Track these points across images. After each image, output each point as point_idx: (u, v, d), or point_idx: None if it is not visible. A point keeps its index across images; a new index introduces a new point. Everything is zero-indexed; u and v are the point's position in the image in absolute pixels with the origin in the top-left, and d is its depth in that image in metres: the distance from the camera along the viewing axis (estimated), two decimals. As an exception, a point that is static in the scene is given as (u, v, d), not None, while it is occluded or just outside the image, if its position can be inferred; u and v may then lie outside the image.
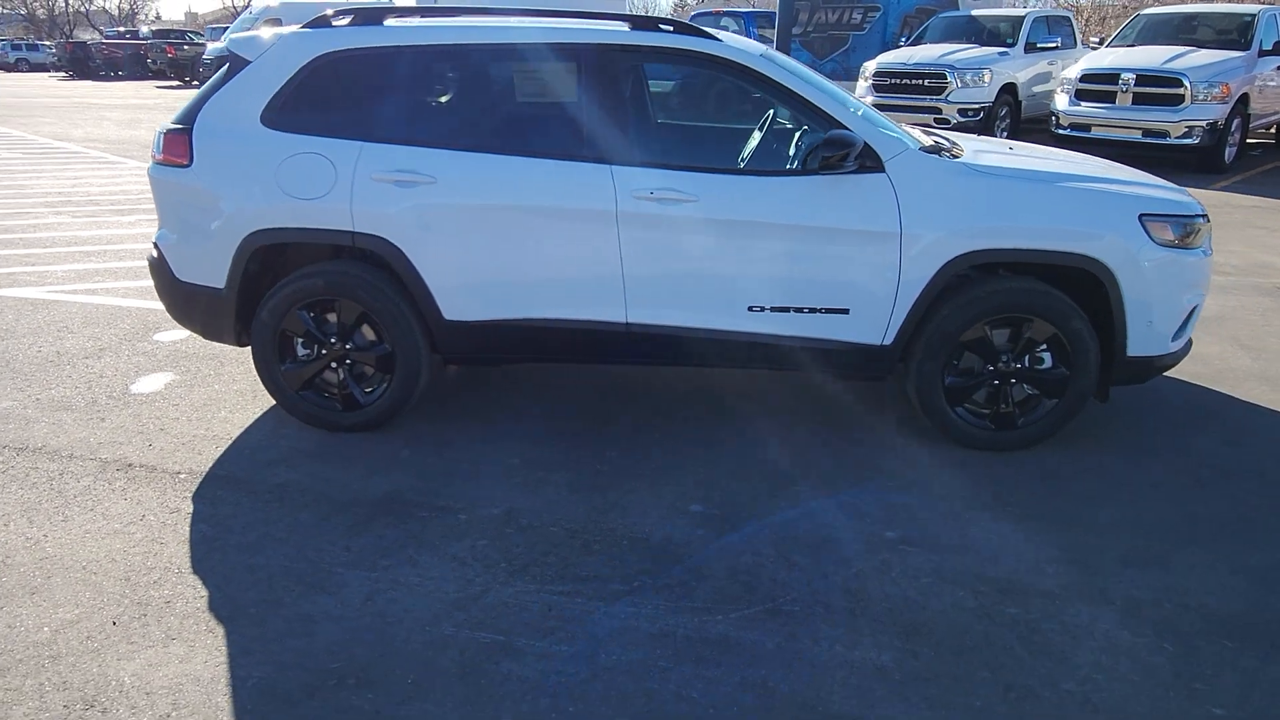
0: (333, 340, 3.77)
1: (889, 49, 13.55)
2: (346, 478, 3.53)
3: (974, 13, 13.89)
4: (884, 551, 3.07)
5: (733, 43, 3.67)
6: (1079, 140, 11.05)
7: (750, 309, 3.64)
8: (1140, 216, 3.53)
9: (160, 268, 3.86)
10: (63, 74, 36.56)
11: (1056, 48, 12.88)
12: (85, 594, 2.78)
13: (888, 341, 3.65)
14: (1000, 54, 12.39)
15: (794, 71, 3.70)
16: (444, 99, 3.77)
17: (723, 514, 3.31)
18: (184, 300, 3.87)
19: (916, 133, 4.08)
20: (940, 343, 3.61)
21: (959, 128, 11.76)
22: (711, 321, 3.67)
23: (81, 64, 35.61)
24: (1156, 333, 3.64)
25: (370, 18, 3.77)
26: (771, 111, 4.14)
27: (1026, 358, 3.65)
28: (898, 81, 12.36)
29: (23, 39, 51.49)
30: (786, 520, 3.26)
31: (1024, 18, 13.02)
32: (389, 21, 3.78)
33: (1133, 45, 11.71)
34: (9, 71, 41.91)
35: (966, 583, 2.91)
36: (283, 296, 3.71)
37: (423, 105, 3.71)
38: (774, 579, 2.92)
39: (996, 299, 3.57)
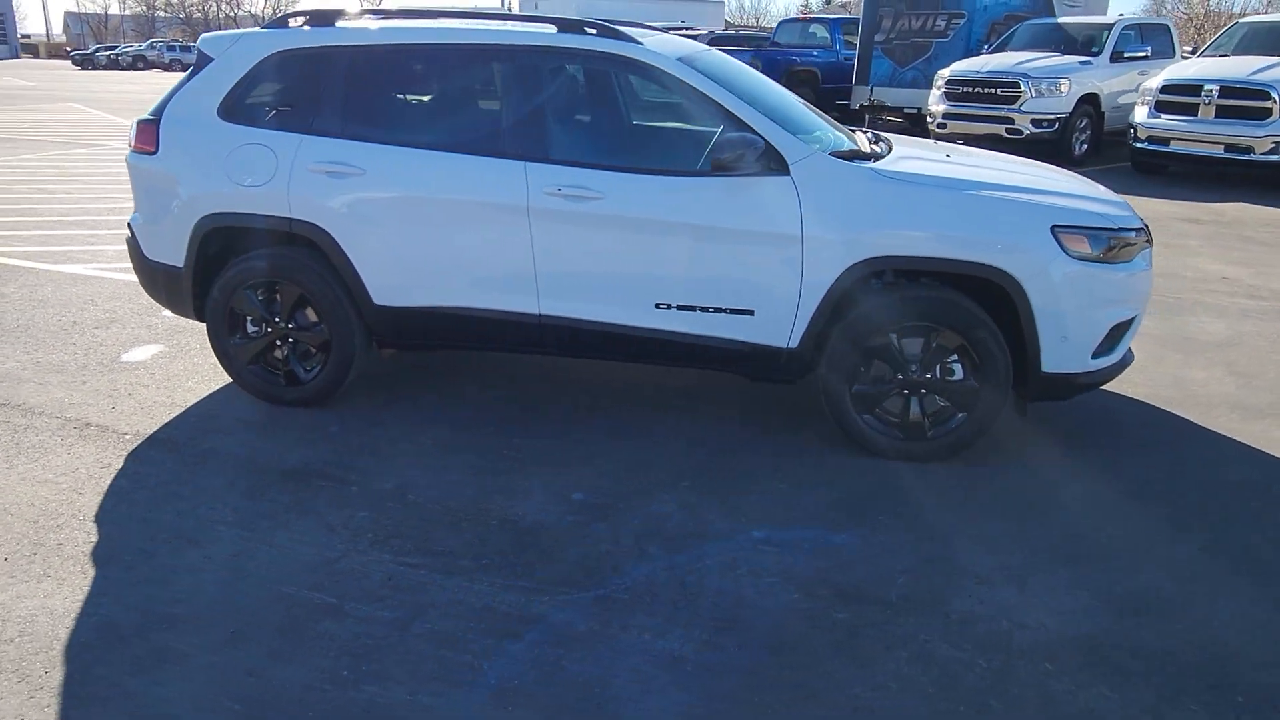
0: (277, 319, 4.04)
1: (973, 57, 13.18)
2: (271, 447, 3.78)
3: (1062, 20, 13.36)
4: (742, 550, 3.10)
5: (654, 46, 3.74)
6: (1157, 155, 10.52)
7: (658, 306, 3.71)
8: (1053, 228, 3.42)
9: (133, 247, 4.22)
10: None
11: (1146, 57, 12.23)
12: (-5, 532, 3.11)
13: (794, 345, 3.65)
14: (1082, 63, 11.88)
15: (713, 74, 3.73)
16: (378, 96, 3.98)
17: (603, 504, 3.39)
18: (151, 277, 4.21)
19: (856, 135, 4.06)
20: (846, 349, 3.59)
21: (1032, 139, 11.37)
22: (619, 316, 3.76)
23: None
24: (1073, 348, 3.52)
25: (323, 19, 4.02)
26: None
27: (938, 368, 3.59)
28: (970, 90, 12.01)
29: (177, 41, 55.68)
30: (661, 514, 3.32)
31: (1113, 25, 12.42)
32: (339, 23, 4.02)
33: (1227, 55, 11.03)
34: (165, 70, 45.40)
35: (809, 586, 2.91)
36: (230, 276, 4.00)
37: (358, 102, 3.92)
38: (618, 568, 2.99)
39: (902, 307, 3.53)
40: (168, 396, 4.25)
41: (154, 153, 4.03)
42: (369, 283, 3.89)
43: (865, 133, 4.26)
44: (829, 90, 16.30)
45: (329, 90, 3.89)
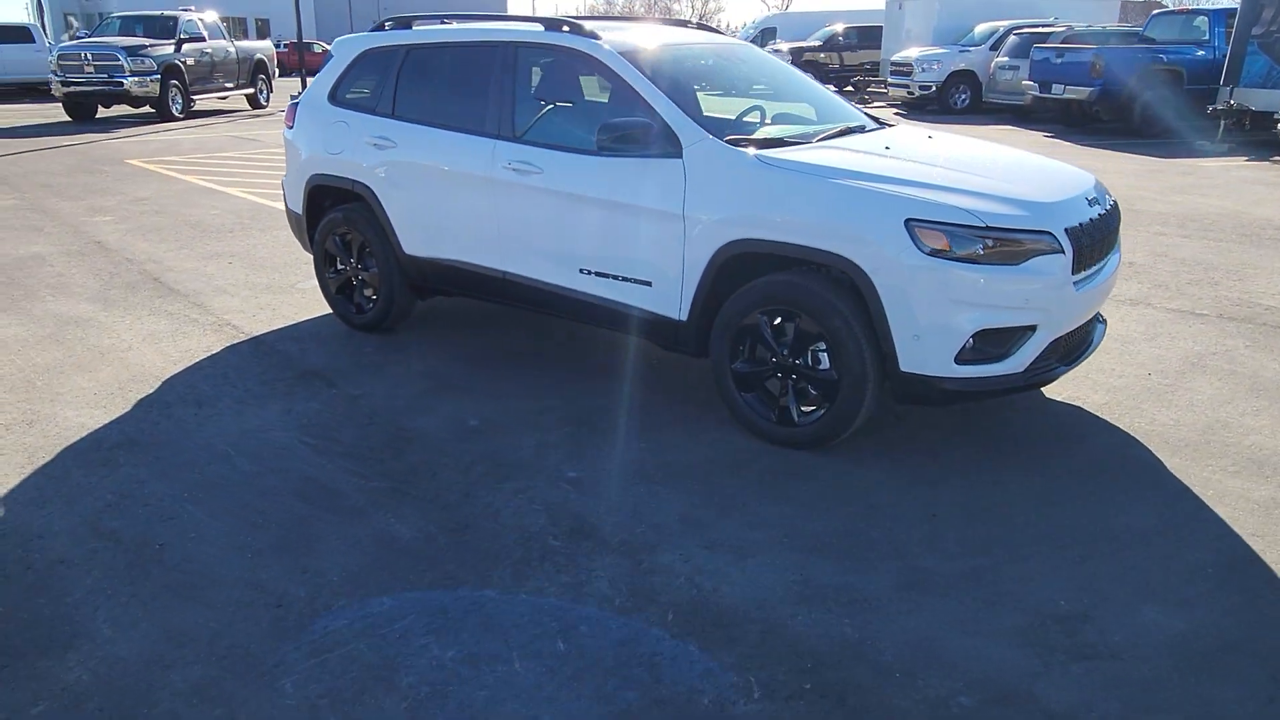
0: (351, 260, 5.15)
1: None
2: (315, 353, 4.90)
3: None
4: (536, 482, 3.53)
5: (607, 44, 4.14)
6: None
7: (581, 271, 4.18)
8: (907, 222, 3.31)
9: (284, 199, 5.61)
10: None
11: None
12: (103, 371, 4.55)
13: (683, 318, 3.91)
14: None
15: (654, 68, 4.08)
16: (414, 84, 4.86)
17: (483, 430, 3.99)
18: (290, 221, 5.57)
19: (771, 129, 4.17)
20: (724, 326, 3.78)
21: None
22: (556, 278, 4.28)
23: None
24: (929, 350, 3.36)
25: (402, 23, 5.02)
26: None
27: (808, 355, 3.63)
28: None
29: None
30: (515, 445, 3.84)
31: None
32: (414, 26, 4.99)
33: None
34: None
35: (545, 510, 3.28)
36: (323, 224, 5.19)
37: (402, 89, 4.85)
38: (435, 474, 3.60)
39: (766, 289, 3.63)
40: (296, 314, 5.59)
41: (292, 128, 5.35)
42: (400, 235, 4.83)
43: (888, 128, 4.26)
44: (1196, 91, 14.21)
45: (386, 79, 4.89)
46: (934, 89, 18.76)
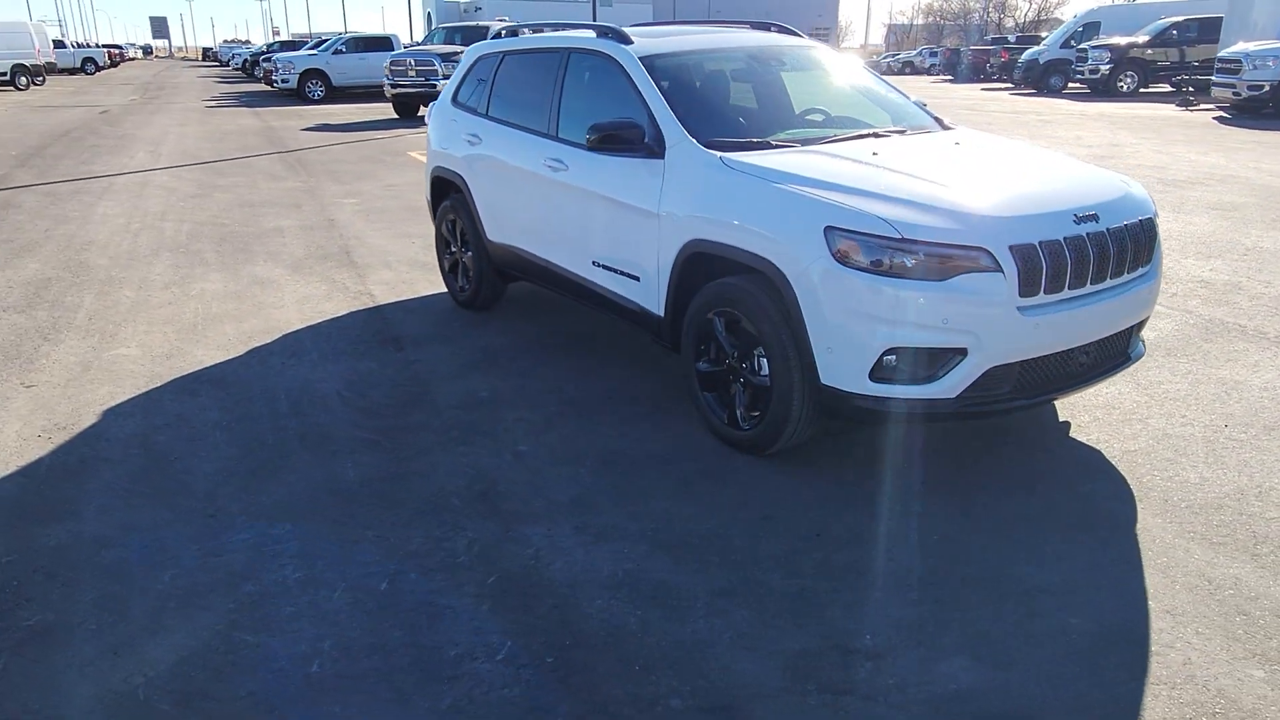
0: (457, 244, 5.78)
1: None
2: (412, 322, 5.58)
3: None
4: (503, 451, 3.86)
5: (633, 49, 4.31)
6: None
7: (594, 263, 4.42)
8: (826, 229, 3.19)
9: (428, 185, 6.39)
10: (946, 77, 41.88)
11: None
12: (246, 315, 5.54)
13: (661, 313, 4.03)
14: None
15: (667, 73, 4.19)
16: (500, 86, 5.31)
17: (486, 402, 4.39)
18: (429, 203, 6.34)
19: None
20: (689, 325, 3.85)
21: None
22: (579, 269, 4.56)
23: (954, 69, 40.43)
24: (841, 363, 3.23)
25: (512, 32, 5.53)
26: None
27: (753, 360, 3.61)
28: None
29: (938, 47, 59.54)
30: (514, 419, 4.20)
31: None
32: (521, 34, 5.47)
33: None
34: (924, 74, 49.57)
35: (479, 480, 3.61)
36: (439, 210, 5.87)
37: (494, 90, 5.33)
38: (427, 424, 4.07)
39: (718, 290, 3.65)
40: (428, 289, 6.34)
41: (426, 125, 6.08)
42: (484, 222, 5.35)
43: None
44: None
45: (485, 83, 5.41)
46: (1265, 89, 16.08)
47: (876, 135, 4.14)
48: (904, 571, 2.93)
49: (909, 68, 55.71)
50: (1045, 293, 3.17)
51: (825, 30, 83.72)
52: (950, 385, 3.16)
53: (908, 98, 4.77)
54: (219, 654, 2.61)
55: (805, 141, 3.96)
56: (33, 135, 16.69)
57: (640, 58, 4.27)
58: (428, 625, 2.73)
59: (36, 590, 2.92)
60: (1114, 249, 3.32)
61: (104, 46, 63.11)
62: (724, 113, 4.21)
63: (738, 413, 3.69)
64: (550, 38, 5.05)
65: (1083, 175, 3.69)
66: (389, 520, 3.32)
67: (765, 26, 5.20)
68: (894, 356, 3.16)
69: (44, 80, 37.20)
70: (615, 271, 4.27)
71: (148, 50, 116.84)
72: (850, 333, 3.17)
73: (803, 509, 3.33)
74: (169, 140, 15.87)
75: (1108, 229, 3.31)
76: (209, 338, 5.35)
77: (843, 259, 3.15)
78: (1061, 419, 4.03)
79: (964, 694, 2.39)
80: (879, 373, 3.18)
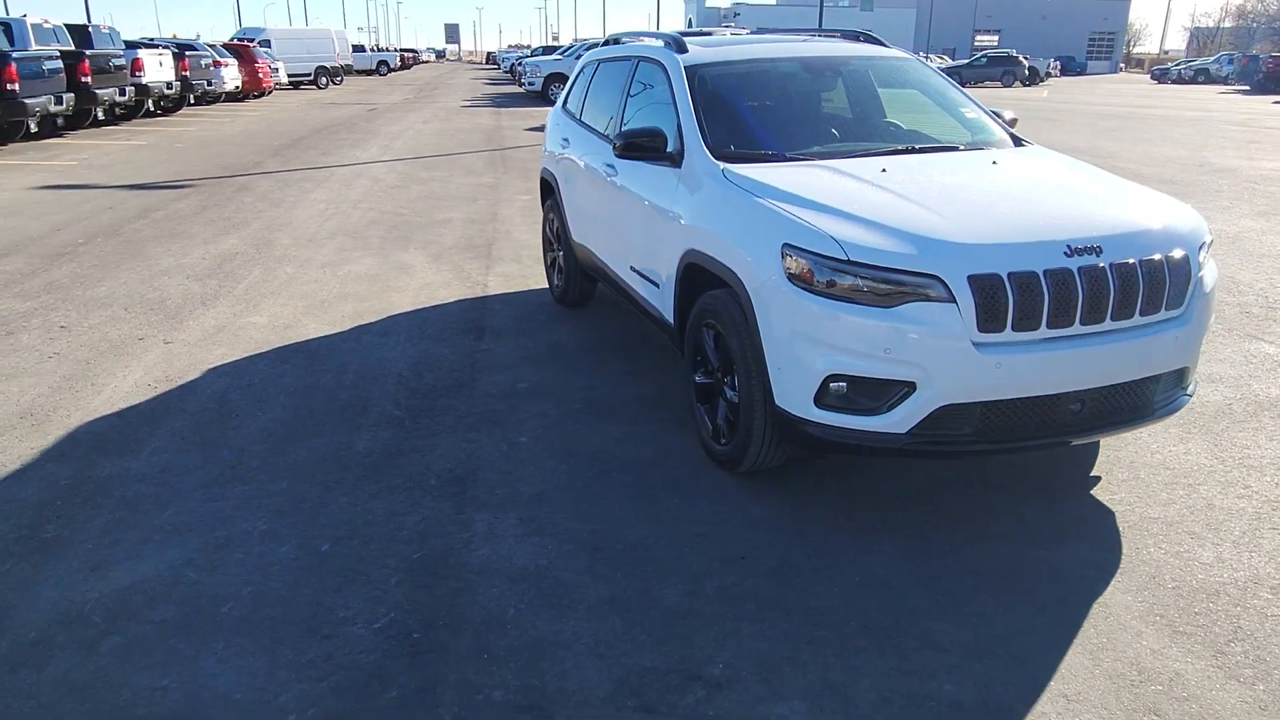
0: (555, 242, 6.05)
1: None
2: (503, 314, 5.91)
3: None
4: (507, 440, 4.07)
5: (684, 58, 4.32)
6: None
7: (631, 268, 4.50)
8: (783, 245, 3.08)
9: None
10: (1242, 87, 37.22)
11: None
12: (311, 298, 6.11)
13: (672, 320, 4.04)
14: None
15: (701, 82, 4.16)
16: (586, 93, 5.45)
17: (526, 393, 4.60)
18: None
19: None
20: (688, 336, 3.85)
21: None
22: (622, 273, 4.65)
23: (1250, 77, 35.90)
24: (789, 385, 3.11)
25: (612, 41, 5.69)
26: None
27: (733, 376, 3.55)
28: None
29: (1260, 53, 52.83)
30: (537, 412, 4.40)
31: None
32: (620, 43, 5.63)
33: None
34: (1222, 84, 44.30)
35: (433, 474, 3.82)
36: (545, 210, 6.16)
37: (587, 97, 5.49)
38: (463, 415, 4.36)
39: (706, 303, 3.61)
40: (539, 283, 6.67)
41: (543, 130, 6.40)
42: (570, 222, 5.57)
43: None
44: None
45: (582, 89, 5.61)
46: None
47: (912, 151, 3.90)
48: (805, 608, 2.79)
49: (1202, 75, 50.03)
50: (1014, 330, 2.88)
51: (1110, 36, 76.85)
52: (898, 420, 2.96)
53: (983, 110, 4.43)
54: (163, 584, 2.99)
55: (828, 156, 3.82)
56: (301, 129, 19.06)
57: (686, 66, 4.29)
58: (337, 588, 2.96)
59: (69, 510, 3.47)
60: (1115, 286, 2.94)
61: (400, 51, 70.28)
62: (751, 124, 4.12)
63: (718, 428, 3.64)
64: (626, 46, 5.16)
65: (1108, 202, 3.29)
66: (366, 490, 3.61)
67: (854, 36, 5.01)
68: (842, 384, 3.00)
69: (342, 80, 42.14)
70: (644, 277, 4.32)
71: (440, 54, 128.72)
72: (796, 354, 3.05)
73: (743, 531, 3.24)
74: (405, 136, 17.52)
75: (1110, 264, 2.94)
76: (328, 314, 5.97)
77: (793, 277, 3.04)
78: (1095, 472, 3.61)
79: (778, 738, 2.28)
80: (824, 399, 3.04)
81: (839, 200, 3.24)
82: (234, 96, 27.98)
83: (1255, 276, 6.76)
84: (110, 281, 6.76)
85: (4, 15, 17.35)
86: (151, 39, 25.00)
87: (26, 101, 13.70)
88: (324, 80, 38.75)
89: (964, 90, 4.54)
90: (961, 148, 4.03)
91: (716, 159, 3.76)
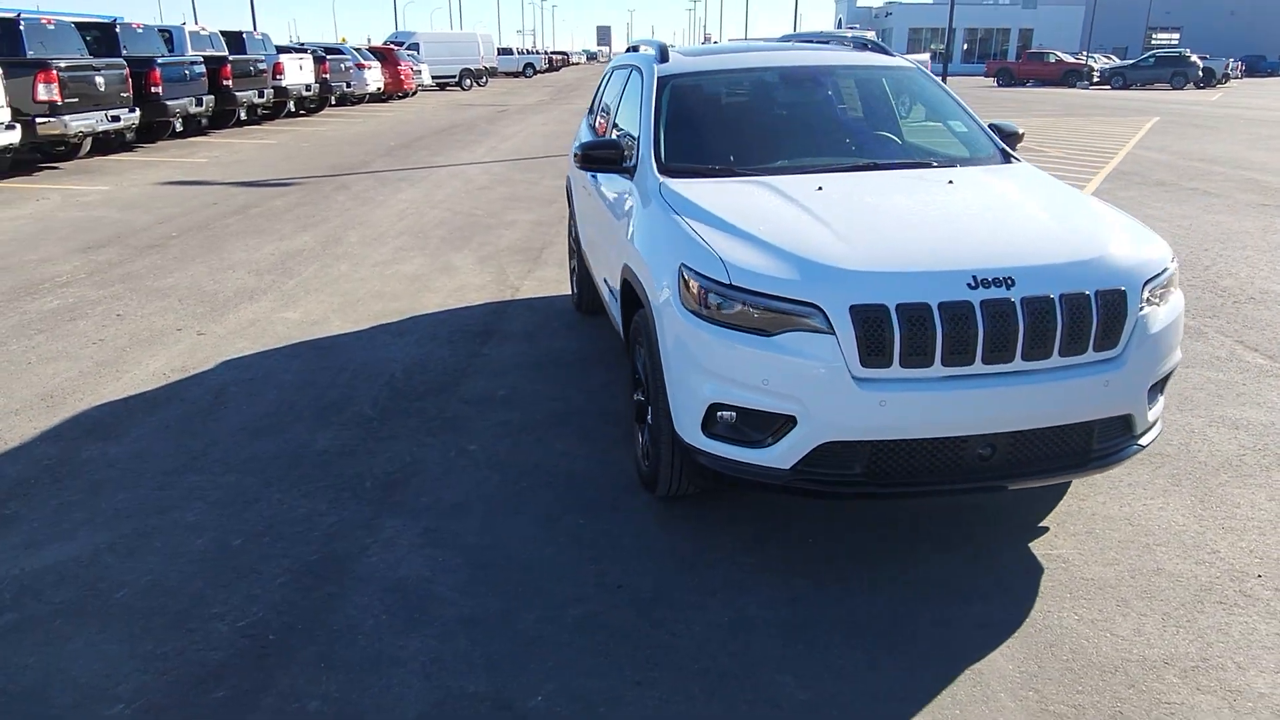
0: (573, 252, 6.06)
1: None
2: (521, 319, 5.97)
3: None
4: (480, 425, 4.11)
5: (666, 68, 4.22)
6: None
7: (603, 279, 4.45)
8: (680, 267, 2.96)
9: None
10: None
11: None
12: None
13: (624, 337, 3.97)
14: None
15: (671, 92, 4.06)
16: (602, 100, 5.41)
17: (507, 398, 4.64)
18: (574, 209, 6.68)
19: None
20: (629, 353, 3.77)
21: None
22: (598, 283, 4.61)
23: None
24: (680, 410, 3.00)
25: (632, 48, 5.63)
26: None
27: (657, 397, 3.47)
28: None
29: None
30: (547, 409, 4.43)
31: None
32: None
33: None
34: None
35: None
36: (569, 218, 6.18)
37: (597, 105, 5.46)
38: (455, 419, 4.45)
39: (636, 320, 3.53)
40: (567, 288, 6.71)
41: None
42: (579, 229, 5.57)
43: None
44: None
45: (596, 96, 5.59)
46: None
47: (873, 167, 3.68)
48: (655, 645, 2.68)
49: None
50: (903, 365, 2.66)
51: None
52: (782, 455, 2.79)
53: (977, 123, 4.11)
54: (78, 566, 3.18)
55: (778, 171, 3.65)
56: (424, 129, 19.87)
57: (659, 76, 4.21)
58: (226, 583, 3.07)
59: (37, 489, 3.74)
60: (1026, 323, 2.67)
61: (549, 53, 72.17)
62: (709, 137, 3.98)
63: (646, 448, 3.55)
64: (631, 55, 5.10)
65: (1046, 231, 2.98)
66: (302, 488, 3.72)
67: (863, 45, 4.77)
68: (730, 414, 2.87)
69: (486, 82, 43.67)
70: (608, 288, 4.27)
71: (592, 56, 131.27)
72: (687, 380, 2.94)
73: (634, 558, 3.14)
74: (518, 138, 17.96)
75: (1022, 298, 2.67)
76: (355, 312, 6.19)
77: (685, 300, 2.93)
78: (1045, 522, 3.30)
79: (559, 782, 2.19)
80: (712, 428, 2.91)
81: (754, 220, 3.09)
82: (378, 98, 29.49)
83: (1357, 309, 6.00)
84: (179, 274, 7.26)
85: (165, 23, 18.92)
86: (302, 44, 26.68)
87: (168, 103, 14.88)
88: (468, 82, 40.25)
89: (961, 102, 4.23)
90: (934, 164, 3.77)
91: (663, 173, 3.67)
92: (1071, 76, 43.04)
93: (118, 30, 14.86)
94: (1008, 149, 3.97)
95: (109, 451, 4.07)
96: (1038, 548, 3.14)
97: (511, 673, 2.59)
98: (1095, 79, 42.56)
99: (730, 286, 2.79)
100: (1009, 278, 2.69)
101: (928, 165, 3.75)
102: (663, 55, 4.41)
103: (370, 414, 4.46)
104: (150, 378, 4.99)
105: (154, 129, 15.58)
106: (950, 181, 3.49)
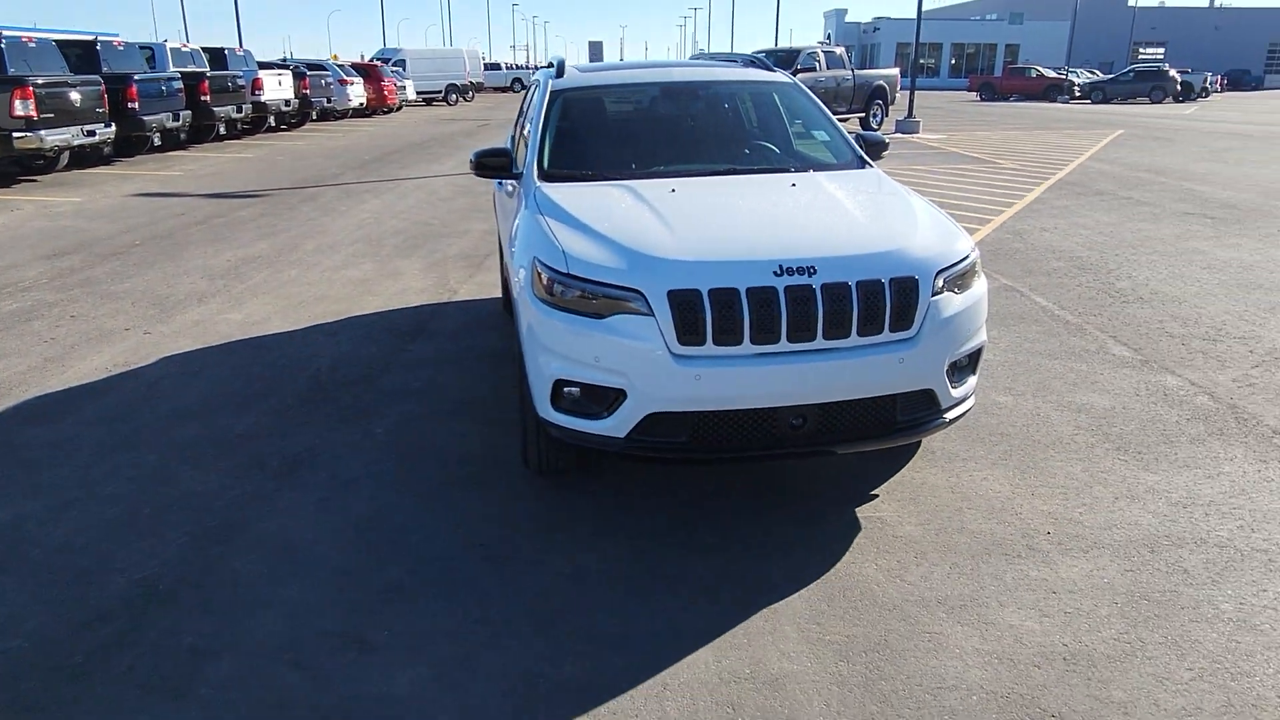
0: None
1: None
2: (454, 318, 6.33)
3: None
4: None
5: (559, 83, 4.62)
6: None
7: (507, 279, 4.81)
8: (533, 259, 3.33)
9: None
10: None
11: None
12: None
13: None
14: None
15: (562, 104, 4.45)
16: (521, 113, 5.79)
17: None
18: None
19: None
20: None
21: None
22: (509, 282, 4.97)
23: None
24: (535, 389, 3.36)
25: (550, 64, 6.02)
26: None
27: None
28: None
29: None
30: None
31: None
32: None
33: None
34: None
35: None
36: (497, 222, 6.56)
37: (520, 116, 5.84)
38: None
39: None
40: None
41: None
42: (500, 234, 5.93)
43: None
44: None
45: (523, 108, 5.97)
46: None
47: (732, 172, 4.06)
48: (499, 595, 3.02)
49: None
50: (715, 344, 3.02)
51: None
52: (616, 425, 3.15)
53: (840, 134, 4.50)
54: (1, 529, 3.52)
55: (641, 176, 4.02)
56: (400, 143, 20.28)
57: (552, 90, 4.59)
58: (129, 543, 3.40)
59: (-28, 468, 4.08)
60: (825, 306, 3.04)
61: (538, 68, 72.84)
62: (586, 145, 4.36)
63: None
64: (542, 70, 5.48)
65: (852, 227, 3.36)
66: (213, 467, 4.06)
67: (749, 63, 5.16)
68: (575, 389, 3.22)
69: (473, 96, 44.15)
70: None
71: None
72: (536, 360, 3.30)
73: (498, 525, 3.48)
74: (492, 151, 18.36)
75: (822, 284, 3.04)
76: (298, 313, 6.54)
77: (535, 287, 3.29)
78: (877, 490, 3.66)
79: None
80: (560, 403, 3.27)
81: (601, 218, 3.46)
82: (361, 113, 29.95)
83: (1232, 310, 6.38)
84: (136, 279, 7.62)
85: (159, 40, 19.36)
86: (285, 60, 27.14)
87: (145, 118, 15.28)
88: (454, 97, 40.78)
89: (828, 115, 4.62)
90: (792, 169, 4.14)
91: (543, 178, 4.05)
92: (1053, 91, 43.67)
93: (98, 48, 15.28)
94: (865, 156, 4.35)
95: (45, 435, 4.41)
96: (862, 511, 3.50)
97: (367, 616, 2.93)
98: (1075, 93, 43.20)
99: (568, 275, 3.16)
100: (811, 266, 3.06)
101: (784, 170, 4.13)
102: (559, 71, 4.79)
103: (289, 403, 4.81)
104: (93, 372, 5.33)
105: (132, 143, 15.96)
106: (794, 185, 3.87)
